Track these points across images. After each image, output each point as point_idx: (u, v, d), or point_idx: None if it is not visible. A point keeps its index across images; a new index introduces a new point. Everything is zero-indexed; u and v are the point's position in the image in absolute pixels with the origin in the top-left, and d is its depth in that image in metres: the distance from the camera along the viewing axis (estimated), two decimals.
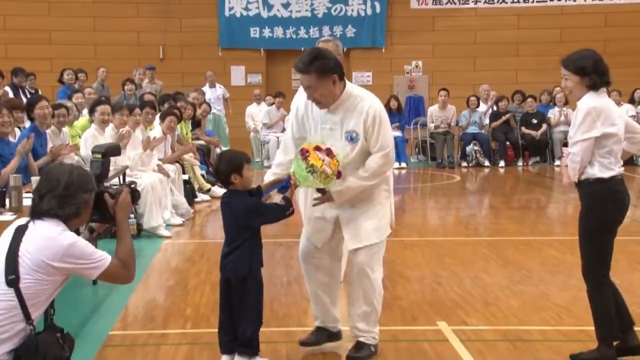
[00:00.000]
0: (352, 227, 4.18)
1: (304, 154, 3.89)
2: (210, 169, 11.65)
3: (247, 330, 3.91)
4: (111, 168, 3.56)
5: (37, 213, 3.10)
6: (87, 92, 11.28)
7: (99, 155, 3.53)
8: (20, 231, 3.07)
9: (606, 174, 4.05)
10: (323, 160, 3.86)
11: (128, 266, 3.17)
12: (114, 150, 3.79)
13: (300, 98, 4.51)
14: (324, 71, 3.96)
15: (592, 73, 4.07)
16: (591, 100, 4.07)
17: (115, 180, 7.02)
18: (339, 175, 3.95)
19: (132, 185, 3.46)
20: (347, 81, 4.14)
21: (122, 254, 3.18)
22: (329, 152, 3.91)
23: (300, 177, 3.91)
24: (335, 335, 4.46)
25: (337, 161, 3.93)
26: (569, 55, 4.23)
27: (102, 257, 3.11)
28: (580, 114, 4.07)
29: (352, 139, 4.05)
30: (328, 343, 4.44)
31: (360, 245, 4.14)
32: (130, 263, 3.19)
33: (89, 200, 3.16)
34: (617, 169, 4.10)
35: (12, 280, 2.95)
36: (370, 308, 4.18)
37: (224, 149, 15.82)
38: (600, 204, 4.04)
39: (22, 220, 3.18)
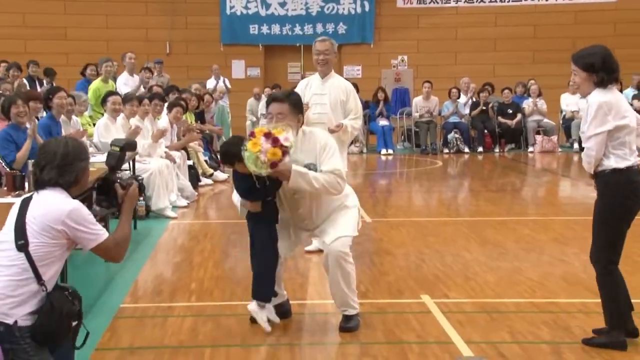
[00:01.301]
0: (329, 227, 4.22)
1: (250, 135, 3.88)
2: (214, 155, 11.68)
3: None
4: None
5: (39, 184, 3.11)
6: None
7: (117, 149, 3.54)
8: (26, 202, 3.09)
9: (622, 164, 3.84)
10: (261, 147, 3.78)
11: (120, 246, 3.17)
12: (131, 146, 3.86)
13: (301, 86, 5.95)
14: (297, 106, 4.17)
15: (600, 70, 3.84)
16: (601, 95, 3.84)
17: (125, 166, 6.98)
18: (272, 165, 3.81)
19: (139, 179, 3.48)
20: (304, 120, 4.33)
21: (119, 235, 3.19)
22: (274, 141, 3.79)
23: (244, 157, 3.86)
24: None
25: (281, 151, 3.80)
26: (580, 51, 3.97)
27: (100, 230, 3.12)
28: (592, 109, 3.84)
29: (311, 170, 4.08)
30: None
31: (339, 235, 4.16)
32: (124, 245, 3.19)
33: (85, 167, 3.18)
34: (633, 159, 3.88)
35: (22, 244, 2.97)
36: (349, 288, 4.23)
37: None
38: (617, 193, 3.84)
39: (27, 195, 3.21)
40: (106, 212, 3.52)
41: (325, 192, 4.06)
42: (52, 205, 3.05)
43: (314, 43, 5.88)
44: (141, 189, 3.43)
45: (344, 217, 4.24)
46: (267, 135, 3.82)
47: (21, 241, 2.99)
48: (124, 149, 3.56)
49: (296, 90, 5.30)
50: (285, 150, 3.83)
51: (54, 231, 3.02)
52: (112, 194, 3.30)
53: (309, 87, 5.90)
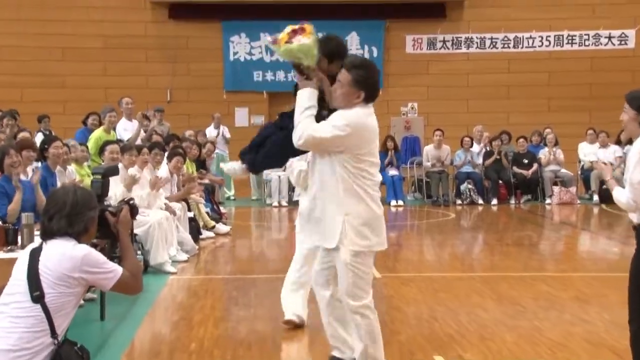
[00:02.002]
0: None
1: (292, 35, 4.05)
2: (215, 206, 11.68)
3: None
4: (116, 204, 3.59)
5: (48, 233, 3.19)
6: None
7: (99, 176, 3.65)
8: (36, 252, 3.15)
9: None
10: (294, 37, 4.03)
11: (137, 277, 3.26)
12: (112, 170, 3.88)
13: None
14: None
15: None
16: None
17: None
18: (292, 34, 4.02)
19: (131, 202, 3.51)
20: None
21: (129, 265, 3.26)
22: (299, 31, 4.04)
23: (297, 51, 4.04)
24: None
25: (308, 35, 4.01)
26: (634, 91, 3.92)
27: (114, 267, 3.20)
28: (636, 155, 3.76)
29: None
30: None
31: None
32: (138, 274, 3.29)
33: (94, 217, 3.27)
34: None
35: (38, 296, 3.04)
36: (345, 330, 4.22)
37: (231, 193, 16.00)
38: None
39: (34, 244, 3.27)
40: (105, 242, 3.55)
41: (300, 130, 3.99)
42: (64, 255, 3.11)
43: None
44: (133, 211, 3.46)
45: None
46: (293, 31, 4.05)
47: (37, 292, 3.04)
48: (106, 175, 3.63)
49: None
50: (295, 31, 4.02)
51: (72, 279, 3.08)
52: (104, 223, 3.36)
53: None
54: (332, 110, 4.09)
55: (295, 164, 5.19)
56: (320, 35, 4.23)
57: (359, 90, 3.99)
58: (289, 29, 4.11)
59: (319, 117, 4.05)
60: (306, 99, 4.02)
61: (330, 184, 4.03)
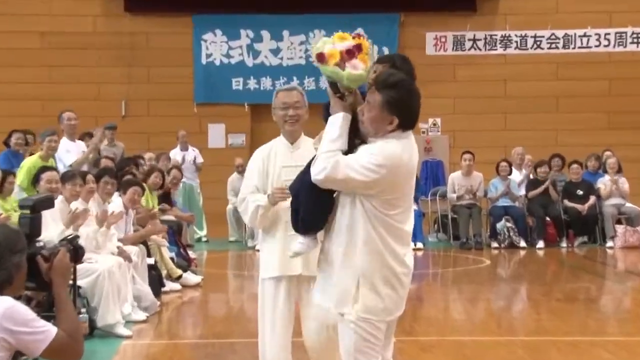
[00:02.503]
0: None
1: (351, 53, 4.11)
2: (183, 250, 11.63)
3: None
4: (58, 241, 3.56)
5: None
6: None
7: (28, 211, 3.55)
8: None
9: None
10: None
11: (76, 339, 3.22)
12: (46, 203, 3.77)
13: (260, 154, 5.27)
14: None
15: None
16: None
17: None
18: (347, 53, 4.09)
19: (73, 242, 3.49)
20: None
21: (66, 324, 3.22)
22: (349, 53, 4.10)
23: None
24: None
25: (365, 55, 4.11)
26: None
27: (45, 326, 3.15)
28: None
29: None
30: None
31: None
32: (78, 336, 3.25)
33: (20, 262, 3.24)
34: None
35: None
36: None
37: (202, 233, 15.93)
38: None
39: None
40: (43, 294, 3.51)
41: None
42: None
43: (276, 93, 5.38)
44: (78, 253, 3.45)
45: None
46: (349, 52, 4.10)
47: None
48: (37, 209, 3.56)
49: (252, 162, 5.28)
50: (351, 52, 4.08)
51: None
52: (35, 271, 3.32)
53: (273, 157, 5.28)
54: (364, 141, 4.15)
55: (250, 198, 5.10)
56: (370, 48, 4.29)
57: (391, 115, 4.03)
58: (339, 43, 4.13)
59: (350, 147, 4.11)
60: (337, 127, 4.07)
61: (347, 230, 4.07)
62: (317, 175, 4.01)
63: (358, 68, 4.05)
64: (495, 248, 14.96)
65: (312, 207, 4.24)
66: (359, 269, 4.02)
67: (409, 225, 4.16)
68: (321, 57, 4.07)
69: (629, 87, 17.71)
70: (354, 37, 4.14)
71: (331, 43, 4.11)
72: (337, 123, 4.07)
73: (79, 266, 7.74)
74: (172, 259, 10.81)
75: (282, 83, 17.77)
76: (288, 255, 4.68)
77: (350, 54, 4.06)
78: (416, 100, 4.09)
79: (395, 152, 4.00)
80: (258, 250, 14.34)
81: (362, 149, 4.05)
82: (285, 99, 5.22)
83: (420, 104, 4.11)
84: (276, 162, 5.22)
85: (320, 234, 4.31)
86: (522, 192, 15.60)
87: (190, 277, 10.90)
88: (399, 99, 4.00)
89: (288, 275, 4.99)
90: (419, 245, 14.81)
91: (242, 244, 15.39)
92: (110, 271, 8.06)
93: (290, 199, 4.59)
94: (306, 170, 4.23)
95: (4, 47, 17.37)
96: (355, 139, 4.13)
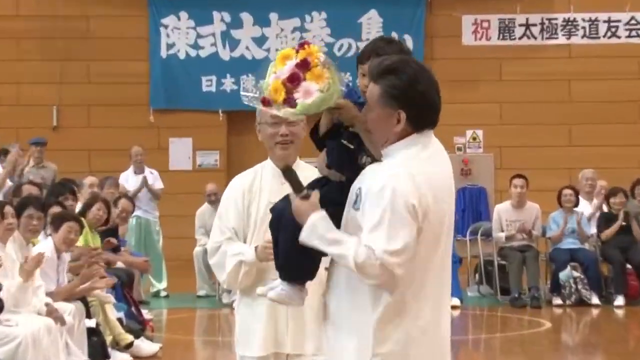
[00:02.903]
0: None
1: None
2: (134, 307, 11.51)
3: None
4: None
5: None
6: None
7: None
8: None
9: None
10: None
11: None
12: None
13: (240, 184, 5.29)
14: None
15: None
16: None
17: None
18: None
19: None
20: None
21: None
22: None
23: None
24: None
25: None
26: None
27: None
28: None
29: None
30: None
31: None
32: None
33: None
34: None
35: None
36: None
37: (161, 286, 15.77)
38: None
39: None
40: None
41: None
42: None
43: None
44: None
45: None
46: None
47: None
48: None
49: (229, 195, 5.32)
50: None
51: None
52: None
53: (257, 191, 5.35)
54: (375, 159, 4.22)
55: (228, 249, 5.09)
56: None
57: (395, 109, 4.05)
58: (281, 69, 4.20)
59: (355, 170, 4.18)
60: (326, 237, 4.10)
61: (347, 283, 4.15)
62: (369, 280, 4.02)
63: (312, 93, 4.11)
64: (559, 306, 14.90)
65: (294, 252, 4.29)
66: (371, 352, 4.07)
67: (447, 275, 4.23)
68: (265, 102, 4.20)
69: None
70: (297, 51, 4.20)
71: (273, 72, 4.19)
72: (319, 234, 4.07)
73: None
74: (120, 320, 10.75)
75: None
76: (257, 293, 4.75)
77: (294, 79, 4.14)
78: (427, 82, 4.11)
79: (405, 189, 3.97)
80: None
81: (364, 180, 4.08)
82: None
83: (437, 88, 4.13)
84: (261, 197, 5.25)
85: (315, 285, 4.40)
86: (594, 230, 15.56)
87: (145, 345, 10.87)
88: (401, 85, 4.04)
89: (275, 352, 5.05)
90: (455, 301, 14.72)
91: (214, 300, 15.34)
92: (36, 337, 8.10)
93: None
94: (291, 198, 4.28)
95: None
96: (360, 156, 4.22)
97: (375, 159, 4.19)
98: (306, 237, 4.08)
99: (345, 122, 4.24)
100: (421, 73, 4.10)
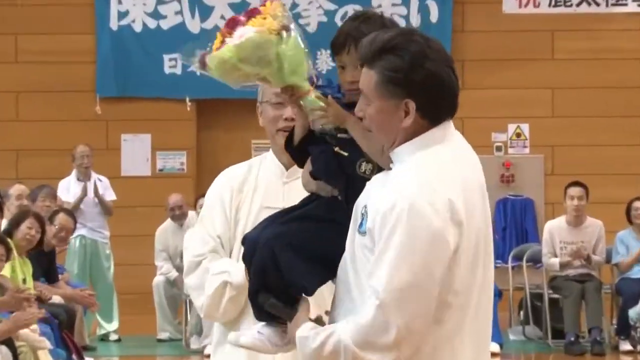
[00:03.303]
0: None
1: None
2: (75, 350, 11.62)
3: None
4: None
5: None
6: None
7: None
8: None
9: None
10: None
11: None
12: None
13: (228, 181, 5.28)
14: None
15: None
16: None
17: None
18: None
19: None
20: None
21: None
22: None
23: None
24: None
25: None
26: None
27: None
28: None
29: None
30: None
31: None
32: None
33: None
34: None
35: None
36: None
37: (111, 328, 15.82)
38: None
39: None
40: None
41: None
42: None
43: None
44: None
45: None
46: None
47: None
48: None
49: (214, 194, 5.32)
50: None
51: None
52: None
53: (251, 189, 5.33)
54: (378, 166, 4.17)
55: (210, 265, 5.09)
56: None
57: (400, 99, 3.93)
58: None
59: (352, 180, 4.14)
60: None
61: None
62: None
63: (245, 34, 4.13)
64: (628, 352, 15.02)
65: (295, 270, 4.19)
66: None
67: (489, 310, 4.13)
68: (202, 61, 4.22)
69: None
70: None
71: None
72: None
73: None
74: None
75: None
76: (228, 340, 4.58)
77: (233, 24, 4.20)
78: (437, 57, 3.95)
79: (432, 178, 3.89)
80: (208, 358, 14.47)
81: (369, 195, 4.01)
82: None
83: (451, 64, 3.98)
84: (253, 199, 5.26)
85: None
86: None
87: None
88: (404, 66, 3.90)
89: None
90: (494, 347, 14.82)
91: (179, 346, 15.48)
92: None
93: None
94: (281, 214, 4.31)
95: None
96: (359, 163, 4.17)
97: (377, 165, 4.10)
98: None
99: (332, 125, 4.16)
100: (428, 47, 3.92)
